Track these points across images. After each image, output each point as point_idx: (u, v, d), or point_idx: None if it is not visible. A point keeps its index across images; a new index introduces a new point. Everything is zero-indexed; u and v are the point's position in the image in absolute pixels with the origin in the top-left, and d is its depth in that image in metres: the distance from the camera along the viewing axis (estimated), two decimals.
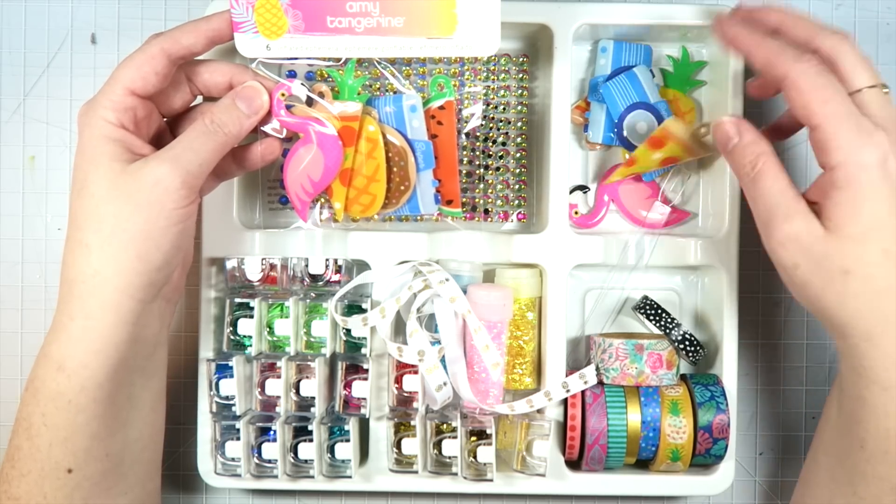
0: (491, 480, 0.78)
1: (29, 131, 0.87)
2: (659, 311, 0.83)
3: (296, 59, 0.73)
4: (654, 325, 0.83)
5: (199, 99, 0.75)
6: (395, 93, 0.79)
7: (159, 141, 0.72)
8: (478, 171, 0.85)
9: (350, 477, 0.80)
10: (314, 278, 0.80)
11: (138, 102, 0.68)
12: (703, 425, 0.79)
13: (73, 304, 0.66)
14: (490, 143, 0.85)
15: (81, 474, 0.68)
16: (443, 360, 0.79)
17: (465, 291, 0.78)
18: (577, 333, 0.87)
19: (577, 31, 0.80)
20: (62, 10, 0.87)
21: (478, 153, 0.85)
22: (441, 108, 0.76)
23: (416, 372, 0.79)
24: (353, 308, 0.80)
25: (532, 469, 0.79)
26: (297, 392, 0.79)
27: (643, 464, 0.84)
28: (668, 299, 0.86)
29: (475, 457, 0.79)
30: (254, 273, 0.80)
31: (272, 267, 0.80)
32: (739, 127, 0.69)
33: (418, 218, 0.84)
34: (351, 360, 0.79)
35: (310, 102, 0.75)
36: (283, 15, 0.71)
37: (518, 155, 0.85)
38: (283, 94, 0.73)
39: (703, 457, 0.80)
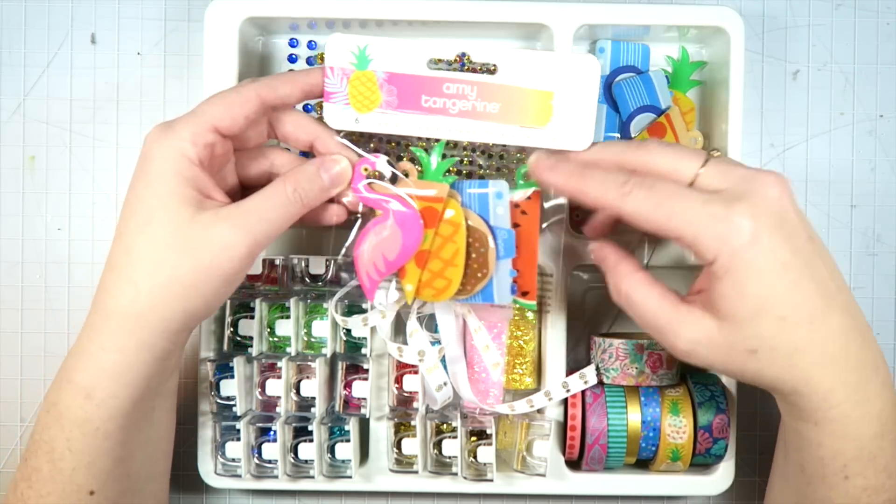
0: (491, 480, 0.78)
1: (29, 131, 0.87)
2: None
3: (384, 134, 0.73)
4: None
5: None
6: (481, 178, 0.78)
7: (223, 174, 0.72)
8: (478, 172, 0.85)
9: (350, 477, 0.80)
10: (315, 279, 0.80)
11: (219, 140, 0.68)
12: (704, 425, 0.79)
13: (108, 337, 0.65)
14: (491, 144, 0.85)
15: (103, 495, 0.68)
16: (443, 360, 0.79)
17: None
18: (577, 333, 0.87)
19: (578, 32, 0.80)
20: (62, 10, 0.87)
21: (478, 153, 0.85)
22: (528, 198, 0.74)
23: (416, 372, 0.79)
24: (353, 308, 0.80)
25: (532, 469, 0.79)
26: (298, 392, 0.79)
27: (643, 464, 0.84)
28: None
29: (475, 457, 0.79)
30: (255, 269, 0.80)
31: (273, 267, 0.80)
32: (604, 250, 0.70)
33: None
34: (351, 360, 0.79)
35: (393, 180, 0.73)
36: (377, 89, 0.71)
37: (518, 155, 0.85)
38: (366, 169, 0.72)
39: (703, 457, 0.80)
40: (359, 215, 0.73)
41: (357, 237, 0.73)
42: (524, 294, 0.74)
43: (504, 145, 0.73)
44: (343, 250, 0.75)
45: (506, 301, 0.73)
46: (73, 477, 0.67)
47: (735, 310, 0.62)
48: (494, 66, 0.71)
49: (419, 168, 0.74)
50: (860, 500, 0.66)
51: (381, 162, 0.72)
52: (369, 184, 0.72)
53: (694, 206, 0.62)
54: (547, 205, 0.73)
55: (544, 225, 0.80)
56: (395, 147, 0.83)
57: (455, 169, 0.82)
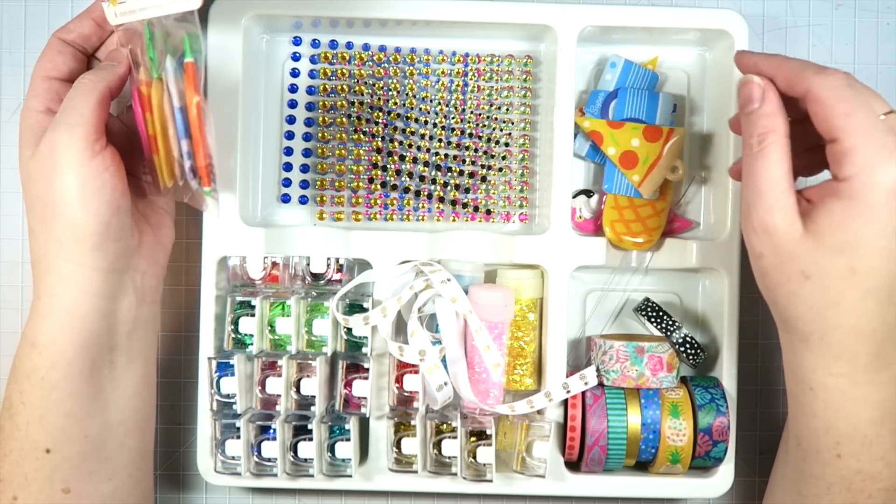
0: (490, 481, 0.78)
1: None
2: (660, 313, 0.83)
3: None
4: (655, 326, 0.83)
5: None
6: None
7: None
8: (480, 172, 0.85)
9: (350, 476, 0.80)
10: (316, 277, 0.80)
11: (59, 85, 0.73)
12: (703, 428, 0.79)
13: (38, 285, 0.69)
14: (493, 144, 0.85)
15: (60, 455, 0.69)
16: (443, 360, 0.79)
17: (466, 292, 0.78)
18: (577, 335, 0.87)
19: (582, 33, 0.80)
20: (62, 10, 0.87)
21: (480, 153, 0.85)
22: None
23: (416, 372, 0.79)
24: (354, 307, 0.80)
25: (532, 470, 0.79)
26: (298, 391, 0.79)
27: (643, 466, 0.84)
28: (669, 301, 0.86)
29: (475, 457, 0.79)
30: (256, 271, 0.80)
31: (274, 265, 0.80)
32: (766, 93, 0.66)
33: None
34: (352, 359, 0.79)
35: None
36: None
37: (521, 156, 0.85)
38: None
39: (703, 459, 0.80)
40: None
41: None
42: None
43: None
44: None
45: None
46: (27, 432, 0.68)
47: (828, 231, 0.62)
48: None
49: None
50: (854, 482, 0.67)
51: None
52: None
53: (876, 124, 0.61)
54: None
55: None
56: None
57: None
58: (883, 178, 0.60)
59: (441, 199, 0.85)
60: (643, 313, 0.84)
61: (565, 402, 0.81)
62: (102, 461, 0.72)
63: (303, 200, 0.85)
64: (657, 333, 0.84)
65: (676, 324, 0.82)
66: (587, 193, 0.86)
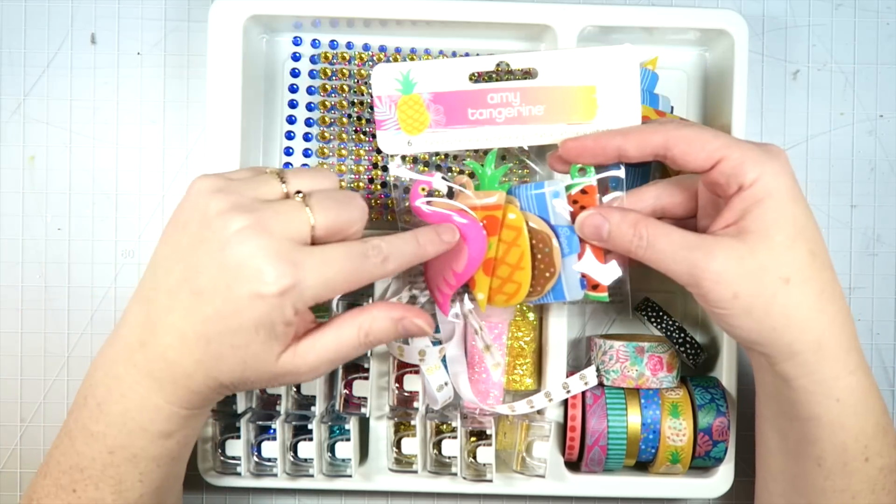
0: (490, 481, 0.78)
1: (29, 131, 0.86)
2: (660, 313, 0.83)
3: (436, 153, 0.76)
4: (655, 326, 0.83)
5: None
6: (536, 181, 0.77)
7: None
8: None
9: (350, 476, 0.80)
10: None
11: None
12: (703, 428, 0.79)
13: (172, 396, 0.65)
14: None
15: None
16: (443, 360, 0.79)
17: None
18: (577, 335, 0.87)
19: (582, 33, 0.80)
20: (62, 10, 0.87)
21: (480, 153, 0.85)
22: (583, 191, 0.73)
23: (416, 372, 0.79)
24: (354, 307, 0.80)
25: (532, 470, 0.79)
26: (298, 391, 0.79)
27: (642, 466, 0.84)
28: (669, 301, 0.86)
29: (475, 457, 0.79)
30: None
31: None
32: (603, 212, 0.69)
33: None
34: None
35: (450, 195, 0.74)
36: (425, 111, 0.74)
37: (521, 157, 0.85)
38: (423, 189, 0.73)
39: (703, 459, 0.80)
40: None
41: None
42: (594, 287, 0.74)
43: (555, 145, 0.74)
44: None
45: (577, 297, 0.74)
46: (138, 502, 0.67)
47: (774, 231, 0.62)
48: (534, 69, 0.73)
49: (475, 180, 0.75)
50: (878, 481, 0.66)
51: (436, 180, 0.73)
52: (428, 202, 0.73)
53: (735, 140, 0.65)
54: (605, 198, 0.73)
55: None
56: (444, 160, 0.84)
57: (507, 179, 0.82)
58: (779, 167, 0.63)
59: None
60: (643, 313, 0.84)
61: (565, 402, 0.81)
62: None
63: None
64: (657, 333, 0.84)
65: (676, 324, 0.82)
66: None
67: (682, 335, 0.82)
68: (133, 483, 0.66)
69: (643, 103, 0.79)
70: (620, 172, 0.73)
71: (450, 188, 0.74)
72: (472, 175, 0.75)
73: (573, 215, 0.73)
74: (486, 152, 0.76)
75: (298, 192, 0.62)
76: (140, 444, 0.65)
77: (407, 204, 0.76)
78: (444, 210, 0.73)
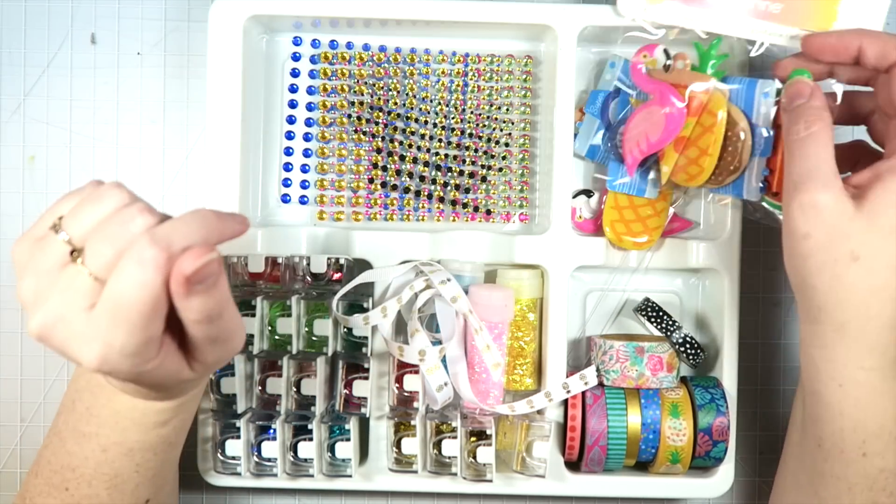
0: (490, 481, 0.78)
1: (29, 131, 0.87)
2: (660, 313, 0.83)
3: (669, 27, 0.77)
4: (655, 326, 0.83)
5: None
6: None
7: None
8: (480, 172, 0.85)
9: (350, 476, 0.80)
10: (316, 277, 0.80)
11: None
12: (703, 427, 0.79)
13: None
14: (493, 144, 0.85)
15: (155, 501, 0.71)
16: (444, 360, 0.79)
17: (466, 292, 0.78)
18: (577, 334, 0.87)
19: (582, 33, 0.80)
20: (62, 10, 0.87)
21: (480, 153, 0.85)
22: None
23: (416, 372, 0.79)
24: (354, 307, 0.80)
25: (532, 470, 0.79)
26: (298, 391, 0.79)
27: (643, 466, 0.84)
28: (670, 301, 0.86)
29: (475, 457, 0.78)
30: (257, 266, 0.79)
31: (275, 265, 0.80)
32: (814, 90, 0.68)
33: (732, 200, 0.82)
34: (352, 359, 0.79)
35: (666, 69, 0.76)
36: None
37: (521, 156, 0.85)
38: (644, 56, 0.76)
39: (703, 459, 0.80)
40: None
41: (628, 118, 0.78)
42: (774, 195, 0.74)
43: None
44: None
45: (754, 197, 0.75)
46: (134, 492, 0.68)
47: (884, 211, 0.62)
48: None
49: (692, 62, 0.77)
50: (878, 481, 0.66)
51: (658, 50, 0.76)
52: (647, 72, 0.76)
53: None
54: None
55: None
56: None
57: (724, 69, 0.79)
58: None
59: (441, 199, 0.85)
60: (643, 313, 0.84)
61: (565, 402, 0.81)
62: (170, 493, 0.75)
63: (303, 200, 0.85)
64: (657, 333, 0.84)
65: (676, 324, 0.82)
66: (587, 193, 0.85)
67: (682, 335, 0.82)
68: (129, 475, 0.67)
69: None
70: (838, 88, 0.73)
71: (666, 63, 0.76)
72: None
73: (777, 119, 0.73)
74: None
75: (73, 249, 0.54)
76: (135, 438, 0.65)
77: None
78: (658, 81, 0.75)
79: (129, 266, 0.51)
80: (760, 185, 0.74)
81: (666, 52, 0.76)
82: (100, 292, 0.53)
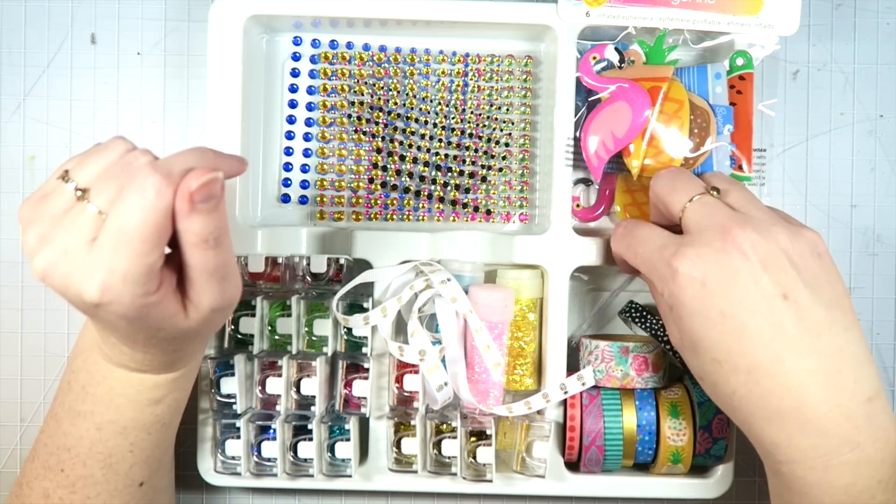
0: (490, 481, 0.78)
1: (29, 131, 0.86)
2: (644, 315, 0.83)
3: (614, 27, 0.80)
4: (640, 327, 0.83)
5: None
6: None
7: None
8: (480, 172, 0.85)
9: (350, 476, 0.79)
10: (316, 277, 0.80)
11: None
12: (703, 425, 0.79)
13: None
14: (493, 144, 0.85)
15: (150, 484, 0.71)
16: (444, 360, 0.79)
17: (466, 292, 0.78)
18: (573, 334, 0.87)
19: (582, 34, 0.80)
20: (62, 10, 0.87)
21: (480, 153, 0.85)
22: (741, 77, 0.79)
23: (416, 372, 0.79)
24: (354, 307, 0.80)
25: (531, 470, 0.79)
26: (298, 391, 0.78)
27: (644, 466, 0.84)
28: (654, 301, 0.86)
29: (475, 457, 0.78)
30: (257, 265, 0.79)
31: (275, 265, 0.80)
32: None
33: None
34: (352, 359, 0.79)
35: (620, 66, 0.79)
36: None
37: (521, 156, 0.85)
38: (594, 58, 0.79)
39: (703, 457, 0.80)
40: None
41: (584, 122, 0.79)
42: (739, 168, 0.79)
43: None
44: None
45: (725, 171, 0.78)
46: (129, 473, 0.69)
47: (679, 343, 0.68)
48: None
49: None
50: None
51: (608, 50, 0.79)
52: (599, 72, 0.79)
53: (652, 250, 0.69)
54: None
55: None
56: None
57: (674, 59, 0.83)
58: (675, 284, 0.67)
59: (441, 199, 0.85)
60: (627, 315, 0.84)
61: (565, 402, 0.81)
62: (165, 475, 0.76)
63: (303, 200, 0.85)
64: (644, 335, 0.84)
65: (660, 323, 0.82)
66: (586, 182, 0.86)
67: (667, 335, 0.82)
68: (123, 454, 0.68)
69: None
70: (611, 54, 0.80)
71: (620, 60, 0.79)
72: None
73: (730, 98, 0.79)
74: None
75: (79, 190, 0.57)
76: (129, 416, 0.66)
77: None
78: (613, 79, 0.78)
79: (130, 193, 0.54)
80: (730, 159, 0.78)
81: (617, 49, 0.79)
82: (103, 225, 0.55)
